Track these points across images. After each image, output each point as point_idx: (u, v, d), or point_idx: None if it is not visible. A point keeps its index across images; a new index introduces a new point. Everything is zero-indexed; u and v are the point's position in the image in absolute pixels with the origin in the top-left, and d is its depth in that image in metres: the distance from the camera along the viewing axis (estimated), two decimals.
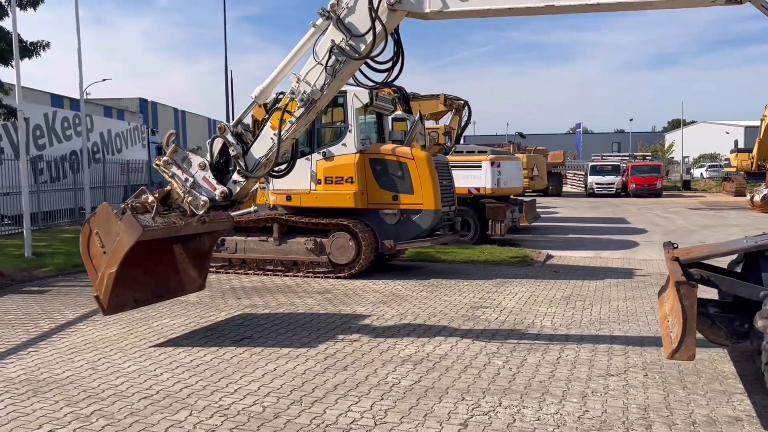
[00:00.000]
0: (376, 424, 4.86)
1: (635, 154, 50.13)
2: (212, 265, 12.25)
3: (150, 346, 7.09)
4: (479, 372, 6.10)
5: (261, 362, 6.46)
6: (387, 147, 11.92)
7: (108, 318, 8.48)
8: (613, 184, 40.22)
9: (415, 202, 11.56)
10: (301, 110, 6.97)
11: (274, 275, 11.88)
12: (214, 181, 7.13)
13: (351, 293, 10.06)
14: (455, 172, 16.12)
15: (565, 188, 47.72)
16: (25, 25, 56.81)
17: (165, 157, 7.22)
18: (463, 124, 21.31)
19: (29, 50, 17.78)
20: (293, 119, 7.02)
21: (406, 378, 5.95)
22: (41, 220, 19.49)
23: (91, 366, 6.37)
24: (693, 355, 4.70)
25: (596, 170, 41.65)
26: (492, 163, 15.93)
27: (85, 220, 7.22)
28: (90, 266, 7.12)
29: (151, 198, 7.06)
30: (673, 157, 72.79)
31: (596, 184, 40.60)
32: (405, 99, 18.75)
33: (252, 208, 12.88)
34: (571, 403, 5.27)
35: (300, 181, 11.88)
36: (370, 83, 7.18)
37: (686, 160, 72.07)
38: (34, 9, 18.18)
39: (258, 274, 12.00)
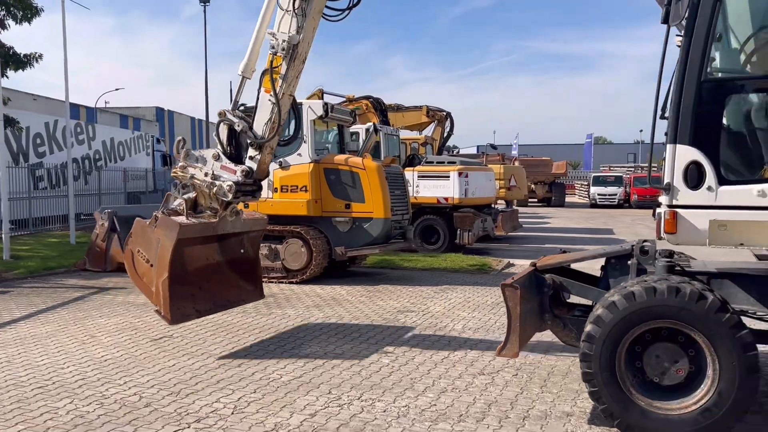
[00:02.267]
0: (232, 413, 5.29)
1: (641, 165, 50.04)
2: None
3: (73, 343, 7.60)
4: (361, 369, 6.50)
5: (165, 359, 6.92)
6: (340, 157, 12.36)
7: (49, 316, 9.03)
8: (616, 195, 40.28)
9: (366, 211, 11.98)
10: (286, 61, 7.17)
11: None
12: (232, 165, 7.20)
13: (293, 297, 10.50)
14: (426, 182, 16.65)
15: (573, 198, 47.87)
16: (43, 35, 58.31)
17: (180, 163, 7.38)
18: (445, 135, 21.74)
19: (23, 62, 18.57)
20: (282, 74, 7.19)
21: (290, 374, 6.37)
22: (32, 225, 20.20)
23: (8, 359, 6.88)
24: (516, 353, 5.08)
25: (599, 181, 41.79)
26: (460, 174, 16.29)
27: (125, 245, 7.31)
28: (142, 285, 7.15)
29: (181, 202, 7.26)
30: None
31: (599, 194, 40.71)
32: (382, 110, 19.28)
33: None
34: (425, 398, 5.65)
35: None
36: (337, 13, 7.34)
37: None
38: (29, 23, 19.01)
39: None
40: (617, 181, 41.25)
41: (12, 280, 12.42)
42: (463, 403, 5.52)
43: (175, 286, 6.94)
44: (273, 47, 7.18)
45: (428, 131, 21.83)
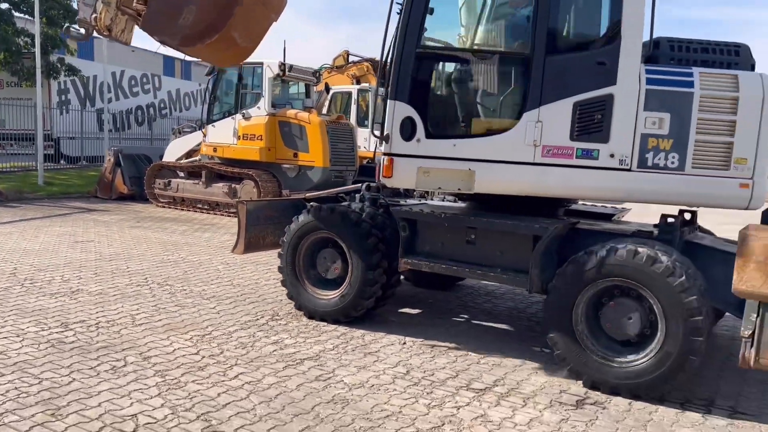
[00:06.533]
0: (52, 285, 7.41)
1: None
2: (160, 201, 15.22)
3: (15, 239, 9.97)
4: (187, 274, 8.46)
5: (64, 252, 9.13)
6: (292, 112, 14.23)
7: (22, 222, 11.52)
8: None
9: (309, 160, 13.89)
10: None
11: (201, 212, 14.60)
12: None
13: (222, 226, 12.56)
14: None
15: None
16: None
17: None
18: None
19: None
20: None
21: (136, 269, 8.41)
22: (84, 161, 23.37)
23: None
24: (241, 251, 6.84)
25: None
26: None
27: None
28: None
29: None
30: None
31: None
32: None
33: (198, 158, 15.69)
34: (201, 310, 7.55)
35: (226, 136, 14.53)
36: None
37: None
38: None
39: (190, 210, 14.77)
40: None
41: (31, 199, 15.21)
42: (226, 315, 7.37)
43: None
44: None
45: None
